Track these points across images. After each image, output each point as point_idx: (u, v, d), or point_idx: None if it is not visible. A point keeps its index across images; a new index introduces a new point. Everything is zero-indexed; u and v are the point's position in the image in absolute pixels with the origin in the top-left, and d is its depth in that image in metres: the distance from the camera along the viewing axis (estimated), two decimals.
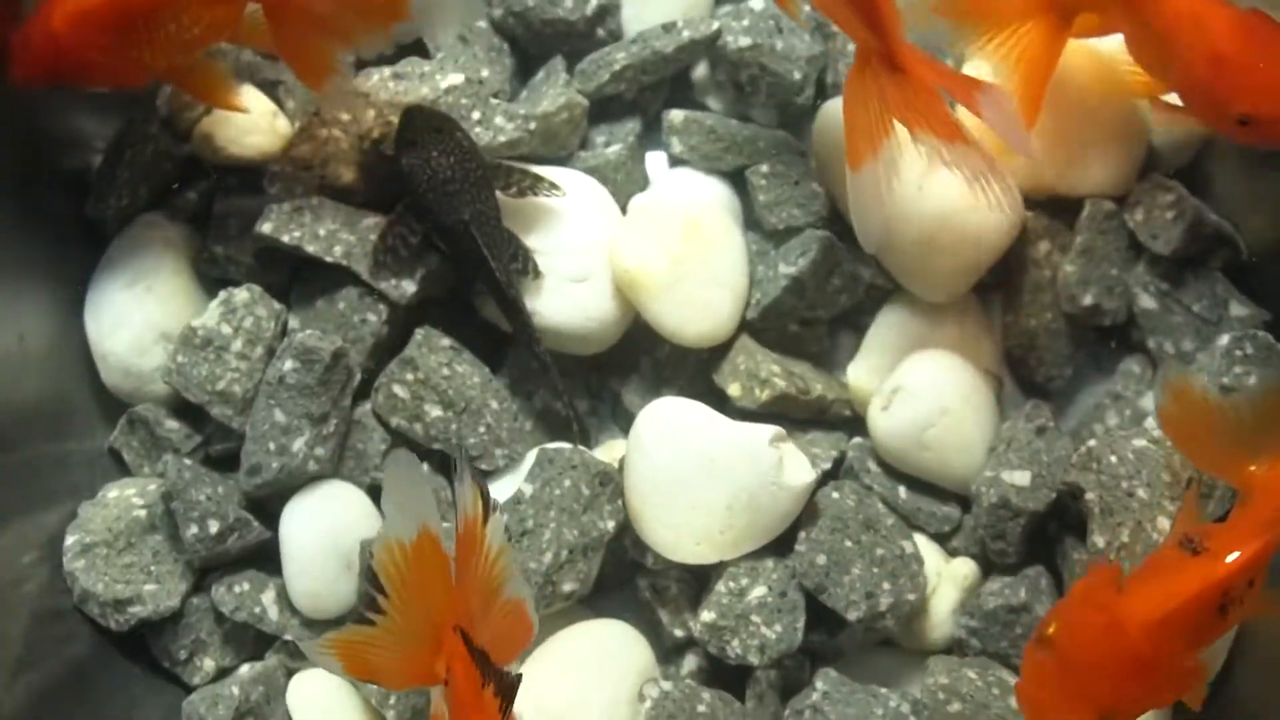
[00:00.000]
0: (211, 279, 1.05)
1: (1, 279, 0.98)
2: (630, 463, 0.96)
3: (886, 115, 0.85)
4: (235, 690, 0.95)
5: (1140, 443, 0.94)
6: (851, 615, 0.94)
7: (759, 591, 0.95)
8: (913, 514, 1.00)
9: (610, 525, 0.96)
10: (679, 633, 0.99)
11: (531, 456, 0.98)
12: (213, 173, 1.06)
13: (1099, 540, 0.93)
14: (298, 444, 0.97)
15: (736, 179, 1.07)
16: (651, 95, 1.10)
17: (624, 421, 1.05)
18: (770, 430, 0.94)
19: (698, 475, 0.94)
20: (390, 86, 1.04)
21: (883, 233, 0.89)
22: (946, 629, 0.98)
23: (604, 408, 1.08)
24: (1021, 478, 0.96)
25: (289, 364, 0.97)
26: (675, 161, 1.09)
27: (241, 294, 1.01)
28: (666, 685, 0.94)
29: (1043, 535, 0.99)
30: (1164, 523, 0.91)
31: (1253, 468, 0.84)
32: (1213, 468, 0.87)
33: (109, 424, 1.04)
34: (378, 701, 0.95)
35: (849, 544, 0.95)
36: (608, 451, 1.03)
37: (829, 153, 1.03)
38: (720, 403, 0.99)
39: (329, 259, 1.00)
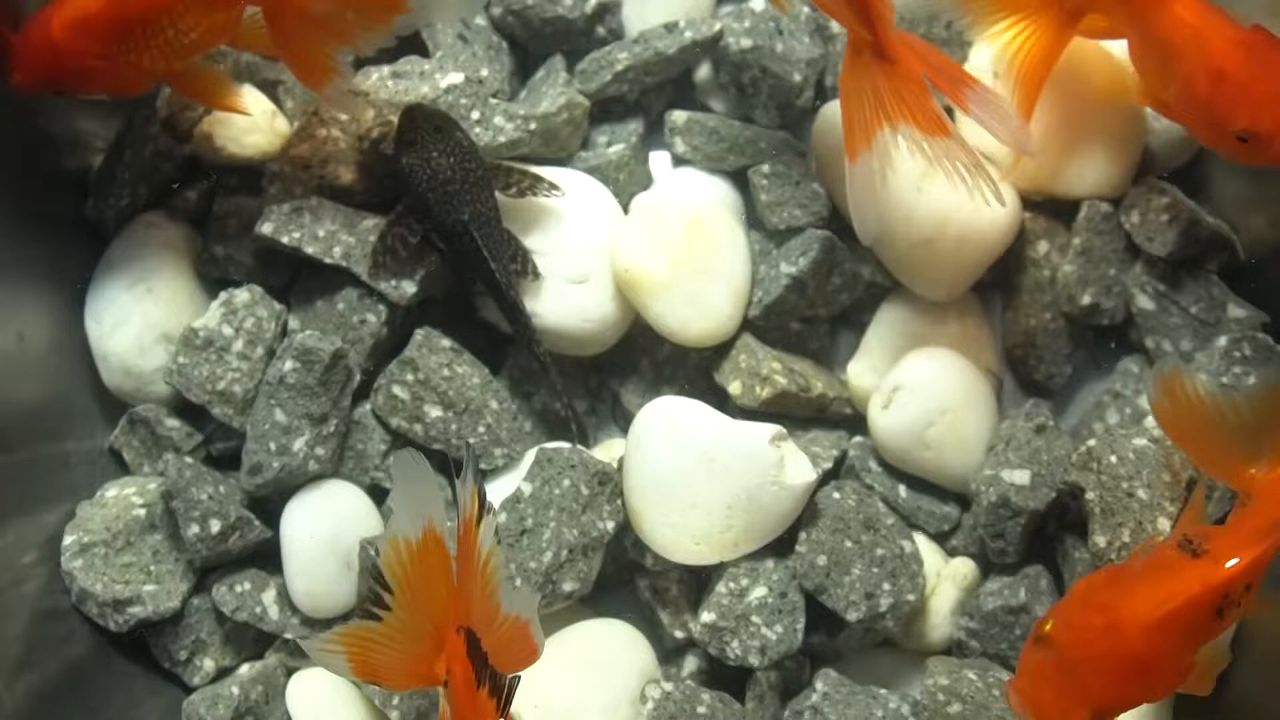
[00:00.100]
0: (212, 279, 1.05)
1: (1, 279, 0.98)
2: (630, 462, 0.96)
3: (879, 106, 0.85)
4: (235, 690, 0.95)
5: (1140, 442, 0.94)
6: (851, 616, 0.94)
7: (759, 592, 0.95)
8: (913, 513, 1.00)
9: (610, 525, 0.96)
10: (679, 633, 0.99)
11: (531, 456, 0.98)
12: (212, 173, 1.06)
13: (1100, 540, 0.93)
14: (298, 444, 0.97)
15: (739, 179, 1.08)
16: (654, 96, 1.10)
17: (624, 421, 1.05)
18: (771, 429, 0.95)
19: (698, 475, 0.94)
20: (389, 86, 1.04)
21: (879, 225, 0.89)
22: (946, 630, 0.99)
23: (603, 408, 1.08)
24: (1021, 477, 0.96)
25: (289, 364, 0.97)
26: (679, 161, 1.09)
27: (242, 295, 1.01)
28: (668, 686, 0.94)
29: (1042, 535, 0.99)
30: (1164, 523, 0.91)
31: (1253, 470, 0.84)
32: (1210, 465, 0.87)
33: (109, 424, 1.04)
34: (381, 702, 0.95)
35: (849, 544, 0.96)
36: (607, 451, 1.03)
37: (829, 153, 1.04)
38: (720, 403, 0.99)
39: (328, 260, 1.00)
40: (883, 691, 0.94)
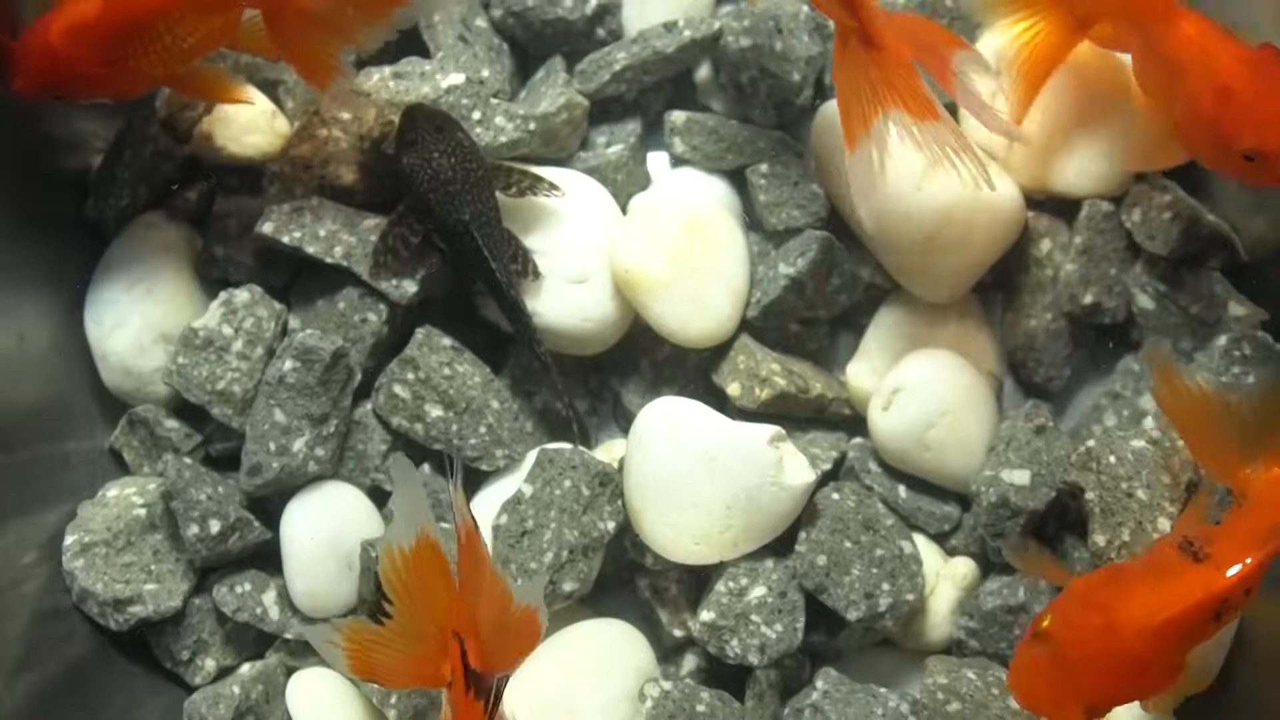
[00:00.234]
0: (212, 279, 1.05)
1: (1, 279, 0.98)
2: (630, 463, 0.96)
3: (872, 92, 0.85)
4: (236, 689, 0.96)
5: (1139, 443, 0.94)
6: (851, 615, 0.94)
7: (759, 591, 0.95)
8: (912, 514, 1.00)
9: (610, 525, 0.96)
10: (678, 632, 0.99)
11: (532, 457, 0.98)
12: (212, 173, 1.06)
13: (1100, 540, 0.93)
14: (298, 444, 0.97)
15: (737, 179, 1.08)
16: (653, 96, 1.10)
17: (624, 421, 1.05)
18: (770, 430, 0.95)
19: (698, 475, 0.94)
20: (391, 86, 1.04)
21: (880, 219, 0.89)
22: (945, 629, 0.99)
23: (604, 408, 1.08)
24: (1021, 477, 0.96)
25: (289, 364, 0.97)
26: (677, 161, 1.09)
27: (242, 295, 1.01)
28: (667, 685, 0.94)
29: (1042, 535, 0.99)
30: (1164, 523, 0.91)
31: (1248, 470, 0.83)
32: (1207, 459, 0.87)
33: (109, 424, 1.04)
34: (379, 700, 0.95)
35: (849, 544, 0.96)
36: (608, 451, 1.03)
37: (828, 153, 1.04)
38: (720, 403, 0.99)
39: (329, 260, 1.00)
40: (882, 690, 0.94)
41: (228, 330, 1.00)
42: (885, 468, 1.01)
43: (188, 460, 0.99)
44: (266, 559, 1.00)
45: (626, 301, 1.01)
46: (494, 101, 1.05)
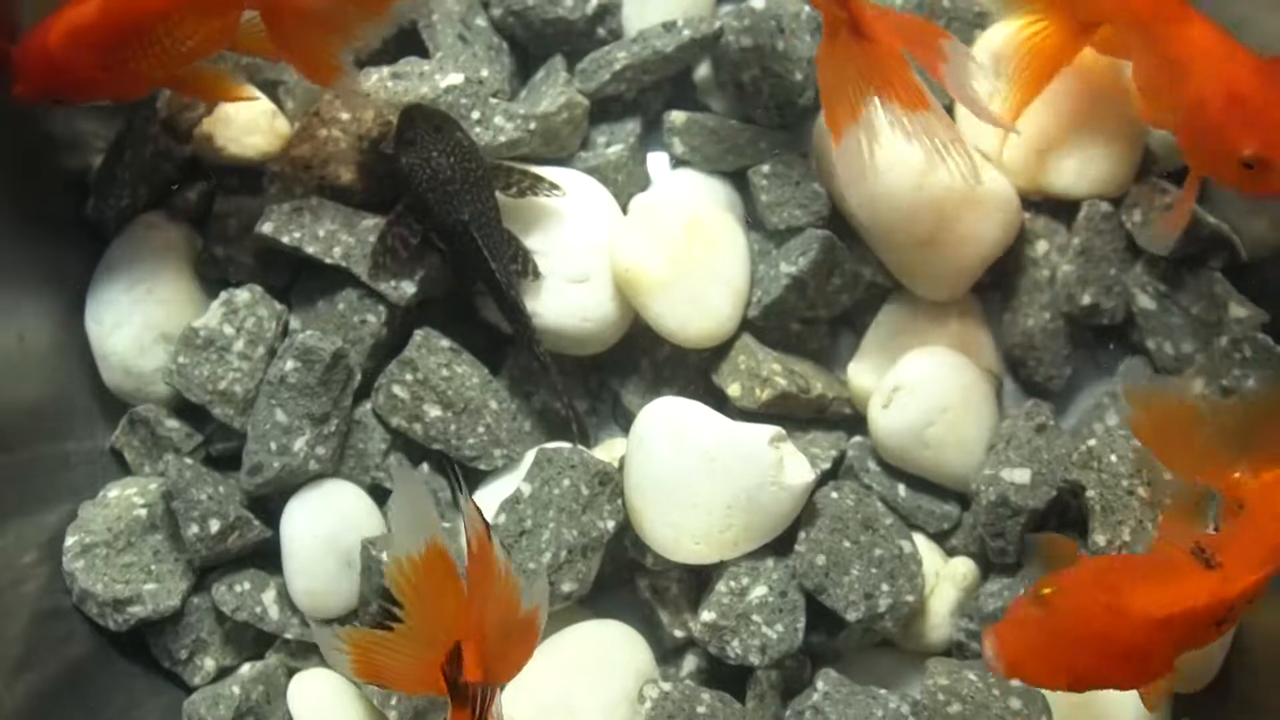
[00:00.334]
0: (212, 279, 1.05)
1: (2, 279, 0.98)
2: (630, 462, 0.96)
3: (861, 83, 0.85)
4: (236, 690, 0.96)
5: (1140, 442, 0.94)
6: (851, 616, 0.94)
7: (759, 591, 0.95)
8: (912, 513, 1.00)
9: (610, 525, 0.96)
10: (679, 633, 0.99)
11: (530, 456, 0.98)
12: (212, 173, 1.06)
13: (1100, 539, 0.93)
14: (298, 444, 0.97)
15: (738, 179, 1.08)
16: (653, 95, 1.10)
17: (624, 421, 1.05)
18: (770, 430, 0.95)
19: (697, 475, 0.94)
20: (389, 86, 1.04)
21: (872, 207, 0.88)
22: (945, 630, 0.99)
23: (604, 408, 1.08)
24: (1021, 476, 0.96)
25: (290, 364, 0.97)
26: (677, 162, 1.09)
27: (243, 294, 1.01)
28: (666, 686, 0.94)
29: (1042, 533, 0.99)
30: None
31: (1237, 475, 0.83)
32: (1197, 474, 0.87)
33: (109, 424, 1.04)
34: (379, 701, 0.95)
35: (848, 544, 0.96)
36: (607, 451, 1.03)
37: (830, 153, 1.03)
38: (720, 403, 0.99)
39: (329, 260, 1.00)
40: (883, 691, 0.94)
41: (229, 330, 1.00)
42: (884, 467, 1.01)
43: (188, 460, 0.99)
44: (266, 558, 1.00)
45: (626, 301, 1.01)
46: (493, 101, 1.04)
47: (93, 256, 1.03)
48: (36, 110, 1.00)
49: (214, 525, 0.96)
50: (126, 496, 1.00)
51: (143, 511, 0.99)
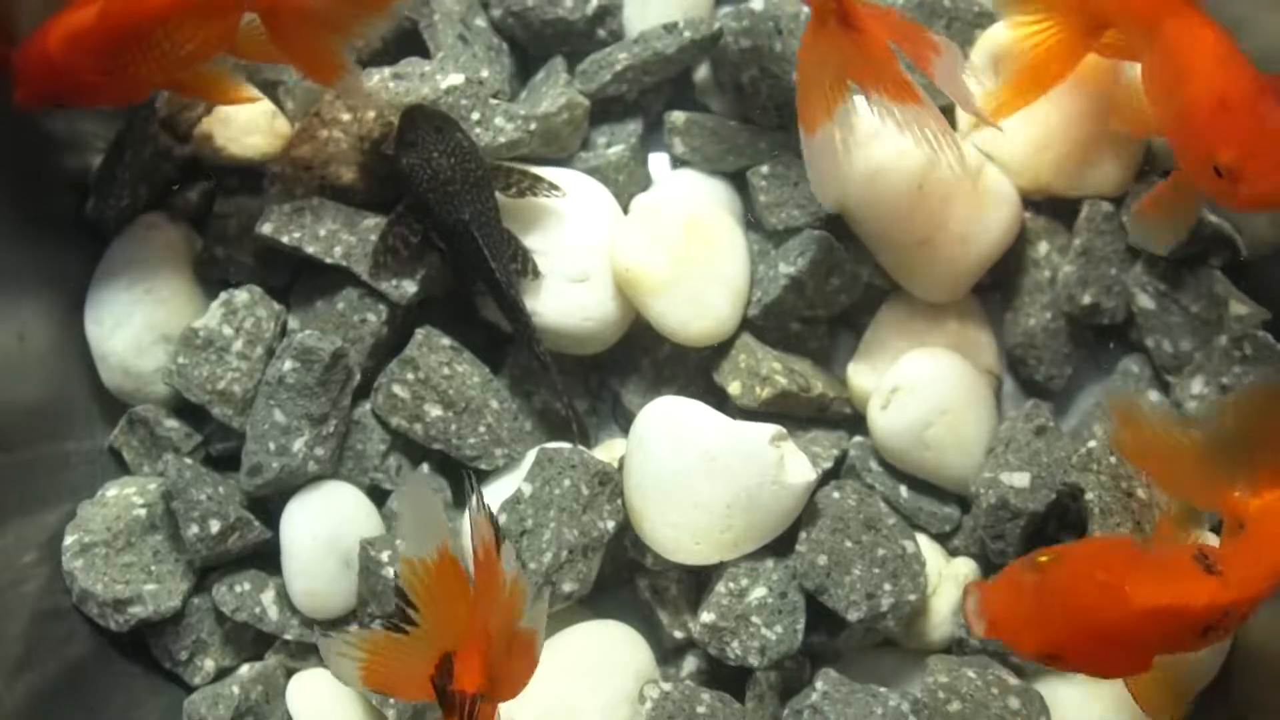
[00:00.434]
0: (212, 279, 1.05)
1: (1, 279, 0.98)
2: (630, 462, 0.96)
3: (843, 76, 0.85)
4: (235, 690, 0.96)
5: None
6: (852, 616, 0.94)
7: (759, 592, 0.95)
8: (914, 513, 1.00)
9: (610, 525, 0.96)
10: (679, 633, 0.99)
11: (531, 456, 0.98)
12: (212, 173, 1.06)
13: None
14: (298, 444, 0.97)
15: (738, 179, 1.08)
16: (653, 96, 1.10)
17: (624, 421, 1.05)
18: (771, 429, 0.94)
19: (698, 474, 0.94)
20: (390, 87, 1.04)
21: (840, 191, 0.89)
22: (947, 629, 0.98)
23: (604, 407, 1.08)
24: (1020, 479, 0.96)
25: (289, 364, 0.97)
26: (677, 162, 1.09)
27: (242, 295, 1.01)
28: (666, 686, 0.94)
29: (1042, 535, 0.99)
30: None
31: (1235, 494, 0.83)
32: (1186, 493, 0.86)
33: (109, 424, 1.04)
34: (378, 701, 0.95)
35: (849, 544, 0.95)
36: (607, 451, 1.03)
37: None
38: (721, 403, 0.99)
39: (329, 260, 1.00)
40: (882, 690, 0.94)
41: (228, 330, 1.00)
42: (886, 467, 1.01)
43: (188, 460, 0.99)
44: (266, 559, 1.00)
45: (627, 301, 1.01)
46: (493, 102, 1.05)
47: (93, 256, 1.04)
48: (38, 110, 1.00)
49: (214, 526, 0.96)
50: (125, 496, 1.00)
51: (142, 511, 0.99)
